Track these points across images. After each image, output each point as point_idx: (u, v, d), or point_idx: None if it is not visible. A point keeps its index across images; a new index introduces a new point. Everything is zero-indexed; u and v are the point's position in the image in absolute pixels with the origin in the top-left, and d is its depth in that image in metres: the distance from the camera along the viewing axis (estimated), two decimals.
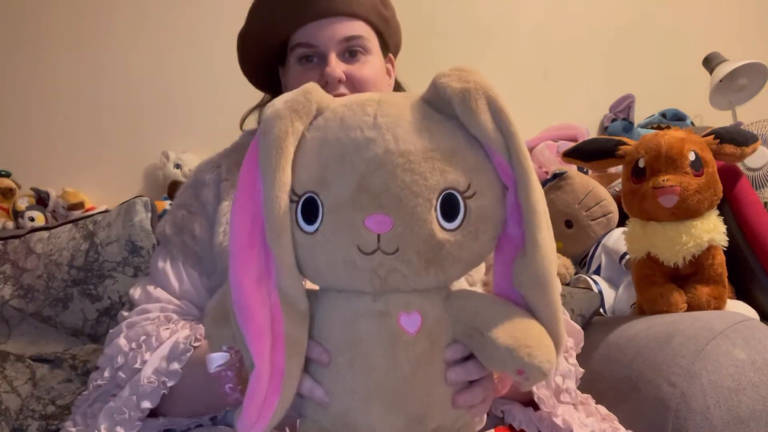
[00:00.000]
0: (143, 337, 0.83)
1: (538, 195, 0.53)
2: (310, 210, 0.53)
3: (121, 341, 0.84)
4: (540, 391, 0.77)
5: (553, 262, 0.53)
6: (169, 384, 0.78)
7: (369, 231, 0.51)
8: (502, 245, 0.56)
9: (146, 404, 0.77)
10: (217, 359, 0.64)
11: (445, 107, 0.54)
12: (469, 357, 0.57)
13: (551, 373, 0.53)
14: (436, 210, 0.52)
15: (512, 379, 0.55)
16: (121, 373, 0.82)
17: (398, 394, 0.55)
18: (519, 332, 0.53)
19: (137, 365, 0.80)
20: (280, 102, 0.55)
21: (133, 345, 0.83)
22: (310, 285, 0.58)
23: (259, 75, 1.02)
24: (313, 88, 0.56)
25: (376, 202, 0.51)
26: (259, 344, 0.53)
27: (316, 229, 0.53)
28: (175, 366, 0.78)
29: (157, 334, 0.83)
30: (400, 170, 0.52)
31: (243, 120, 1.06)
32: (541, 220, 0.53)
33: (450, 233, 0.53)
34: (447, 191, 0.52)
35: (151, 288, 0.91)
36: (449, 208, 0.53)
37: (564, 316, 0.61)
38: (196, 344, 0.79)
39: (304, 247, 0.54)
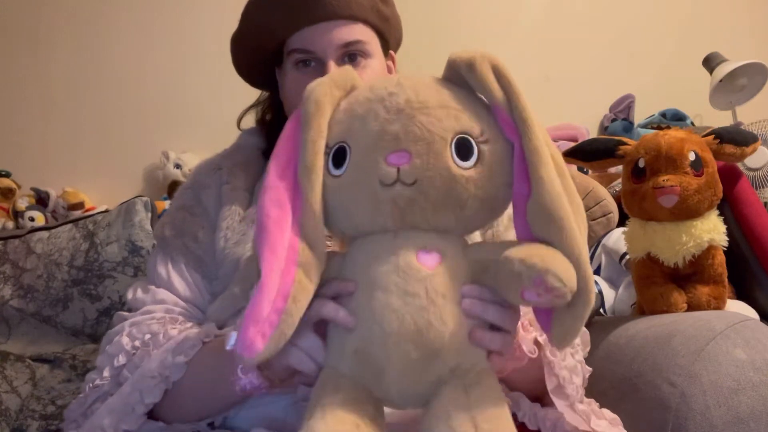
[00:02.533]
0: (148, 336, 0.82)
1: (541, 139, 0.57)
2: (339, 157, 0.59)
3: (124, 339, 0.82)
4: (568, 387, 0.75)
5: (561, 196, 0.56)
6: (173, 378, 0.76)
7: (389, 165, 0.57)
8: (516, 206, 0.59)
9: (149, 399, 0.76)
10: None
11: (459, 81, 0.61)
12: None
13: (573, 286, 0.54)
14: (451, 148, 0.58)
15: (535, 298, 0.54)
16: (125, 372, 0.80)
17: (415, 324, 0.56)
18: (531, 247, 0.56)
19: (144, 363, 0.78)
20: (324, 77, 0.63)
21: (137, 343, 0.81)
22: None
23: (254, 76, 1.00)
24: (350, 71, 0.65)
25: (395, 141, 0.57)
26: (270, 260, 0.55)
27: (344, 170, 0.59)
28: (181, 359, 0.76)
29: (165, 331, 0.81)
30: (418, 113, 0.58)
31: (240, 119, 1.05)
32: (544, 159, 0.56)
33: (464, 170, 0.58)
34: (461, 134, 0.58)
35: (152, 288, 0.89)
36: (463, 148, 0.58)
37: None
38: (206, 340, 0.78)
39: (332, 189, 0.59)
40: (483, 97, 0.60)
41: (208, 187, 0.94)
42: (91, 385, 0.83)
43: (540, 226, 0.56)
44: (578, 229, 0.56)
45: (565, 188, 0.57)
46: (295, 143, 0.60)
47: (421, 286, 0.57)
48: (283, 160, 0.60)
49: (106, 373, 0.81)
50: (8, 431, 1.16)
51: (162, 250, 0.93)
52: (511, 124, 0.58)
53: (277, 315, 0.54)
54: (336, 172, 0.59)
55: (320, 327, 0.61)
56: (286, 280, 0.55)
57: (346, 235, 0.64)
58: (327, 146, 0.60)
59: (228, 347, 0.64)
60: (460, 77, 0.60)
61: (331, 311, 0.58)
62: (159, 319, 0.85)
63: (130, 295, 0.91)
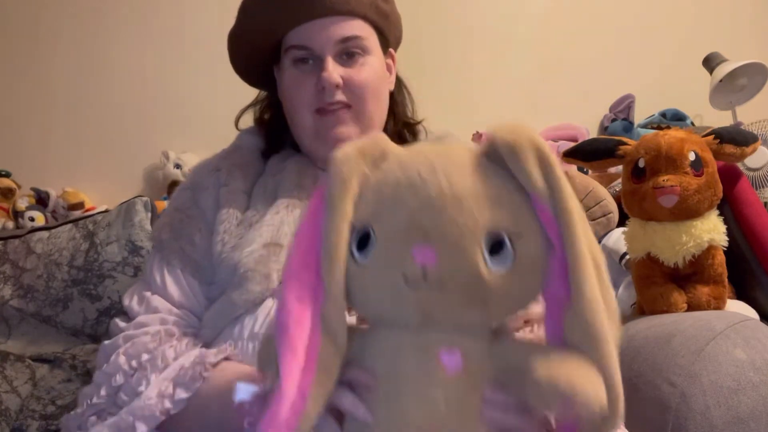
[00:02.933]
0: (145, 356, 0.80)
1: (584, 248, 0.53)
2: (364, 242, 0.56)
3: (120, 359, 0.80)
4: None
5: (602, 313, 0.52)
6: (173, 411, 0.75)
7: (415, 262, 0.53)
8: (549, 307, 0.56)
9: (142, 428, 0.74)
10: (245, 391, 0.64)
11: (498, 159, 0.56)
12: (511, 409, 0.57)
13: (603, 408, 0.51)
14: (481, 247, 0.53)
15: (561, 416, 0.53)
16: (122, 395, 0.78)
17: (432, 431, 0.54)
18: (560, 364, 0.52)
19: (141, 387, 0.77)
20: (350, 146, 0.59)
21: (134, 363, 0.80)
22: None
23: (252, 74, 0.99)
24: (381, 137, 0.61)
25: (424, 236, 0.53)
26: (290, 363, 0.53)
27: (368, 259, 0.55)
28: (182, 395, 0.75)
29: (163, 354, 0.79)
30: (450, 208, 0.54)
31: (238, 118, 1.04)
32: (587, 271, 0.53)
33: (494, 272, 0.54)
34: (494, 231, 0.54)
35: (147, 295, 0.88)
36: (495, 246, 0.54)
37: None
38: (206, 374, 0.76)
39: (355, 276, 0.56)
40: (523, 184, 0.55)
41: (205, 189, 0.93)
42: (88, 401, 0.81)
43: (576, 339, 0.53)
44: (614, 344, 0.54)
45: (603, 294, 0.55)
46: (318, 223, 0.58)
47: (441, 392, 0.54)
48: (306, 243, 0.58)
49: (102, 392, 0.80)
50: (8, 431, 1.16)
51: (159, 252, 0.91)
52: (551, 219, 0.54)
53: (296, 418, 0.53)
54: (360, 258, 0.56)
55: (338, 411, 0.59)
56: (306, 379, 0.54)
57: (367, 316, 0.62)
58: (352, 226, 0.57)
59: (235, 400, 0.63)
60: (500, 156, 0.56)
61: (350, 405, 0.57)
62: (154, 334, 0.83)
63: (126, 302, 0.90)
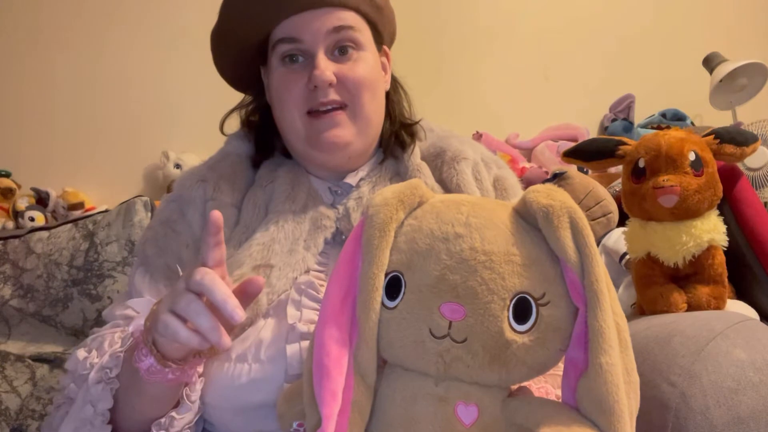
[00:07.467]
0: (95, 344, 0.78)
1: (609, 319, 0.54)
2: (393, 287, 0.57)
3: (79, 352, 0.78)
4: None
5: (619, 388, 0.53)
6: (113, 374, 0.71)
7: (442, 316, 0.55)
8: (567, 369, 0.56)
9: (102, 406, 0.70)
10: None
11: (531, 219, 0.58)
12: None
13: None
14: (508, 310, 0.55)
15: None
16: (73, 385, 0.76)
17: None
18: (566, 428, 0.53)
19: (86, 371, 0.74)
20: (389, 191, 0.60)
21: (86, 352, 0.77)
22: None
23: (238, 77, 0.94)
24: (418, 183, 0.62)
25: (453, 292, 0.55)
26: (330, 406, 0.54)
27: (395, 306, 0.57)
28: (115, 372, 0.72)
29: (112, 338, 0.77)
30: (481, 267, 0.55)
31: (222, 122, 0.98)
32: (607, 344, 0.53)
33: (518, 335, 0.55)
34: (521, 294, 0.55)
35: (124, 305, 0.84)
36: (521, 310, 0.55)
37: None
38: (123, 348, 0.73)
39: (381, 320, 0.58)
40: (554, 250, 0.56)
41: (192, 202, 0.87)
42: (54, 407, 0.80)
43: (587, 409, 0.54)
44: (629, 417, 0.54)
45: (625, 365, 0.55)
46: (353, 266, 0.59)
47: None
48: (343, 286, 0.59)
49: (66, 391, 0.79)
50: (8, 431, 1.16)
51: (142, 266, 0.87)
52: (579, 288, 0.55)
53: None
54: (388, 303, 0.57)
55: None
56: (342, 420, 0.55)
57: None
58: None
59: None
60: (534, 217, 0.57)
61: None
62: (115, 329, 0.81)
63: (104, 313, 0.88)
